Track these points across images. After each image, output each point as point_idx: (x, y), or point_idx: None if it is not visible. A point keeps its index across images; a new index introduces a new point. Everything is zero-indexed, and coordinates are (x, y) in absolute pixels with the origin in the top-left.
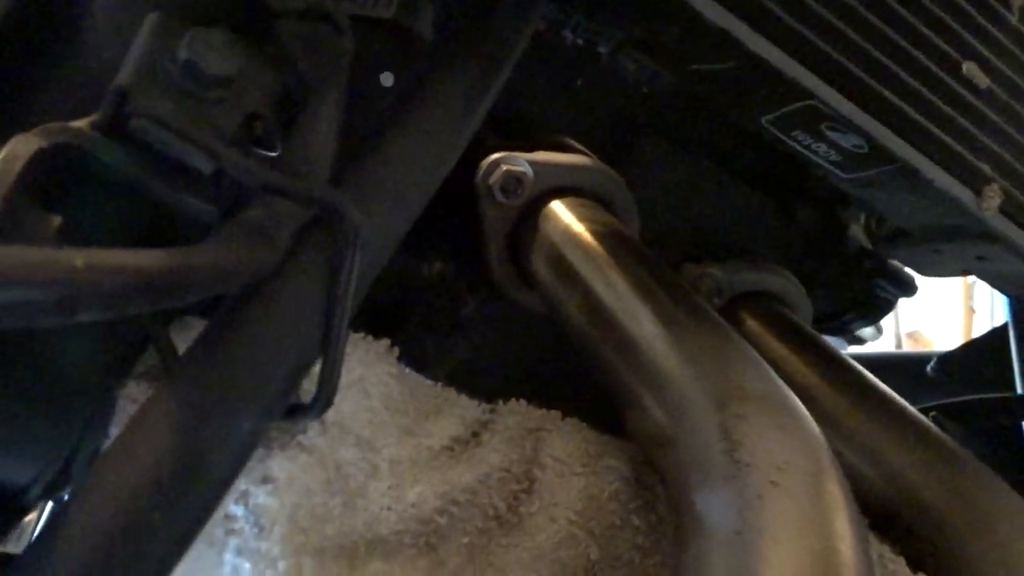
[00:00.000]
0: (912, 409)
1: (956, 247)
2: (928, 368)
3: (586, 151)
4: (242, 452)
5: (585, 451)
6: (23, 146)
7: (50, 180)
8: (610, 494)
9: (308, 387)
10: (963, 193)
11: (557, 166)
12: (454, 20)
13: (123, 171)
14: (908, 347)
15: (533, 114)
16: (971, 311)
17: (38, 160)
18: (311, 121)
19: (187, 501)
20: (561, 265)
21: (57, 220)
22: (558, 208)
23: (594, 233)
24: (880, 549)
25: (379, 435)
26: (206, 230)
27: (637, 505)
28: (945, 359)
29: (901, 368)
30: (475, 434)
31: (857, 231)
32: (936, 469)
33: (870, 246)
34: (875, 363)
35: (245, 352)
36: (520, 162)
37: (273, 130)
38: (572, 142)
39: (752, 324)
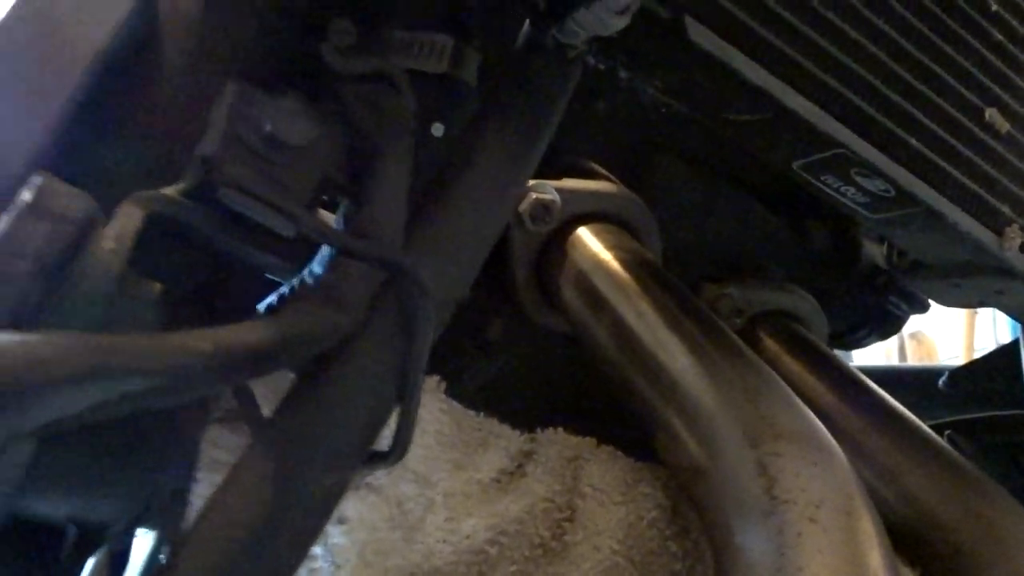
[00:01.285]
0: (927, 429)
1: (976, 281)
2: (940, 383)
3: (610, 176)
4: (330, 502)
5: (622, 479)
6: (130, 220)
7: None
8: (648, 522)
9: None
10: (984, 234)
11: (584, 193)
12: (493, 64)
13: (208, 233)
14: (911, 348)
15: (556, 138)
16: (973, 312)
17: (142, 231)
18: (381, 183)
19: (282, 552)
20: (589, 292)
21: (158, 287)
22: (585, 235)
23: (621, 261)
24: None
25: (433, 470)
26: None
27: (673, 531)
28: (956, 375)
29: (910, 382)
30: (519, 465)
31: (870, 248)
32: (952, 490)
33: (883, 264)
34: (884, 376)
35: (331, 410)
36: (549, 190)
37: (345, 191)
38: (596, 167)
39: (770, 343)
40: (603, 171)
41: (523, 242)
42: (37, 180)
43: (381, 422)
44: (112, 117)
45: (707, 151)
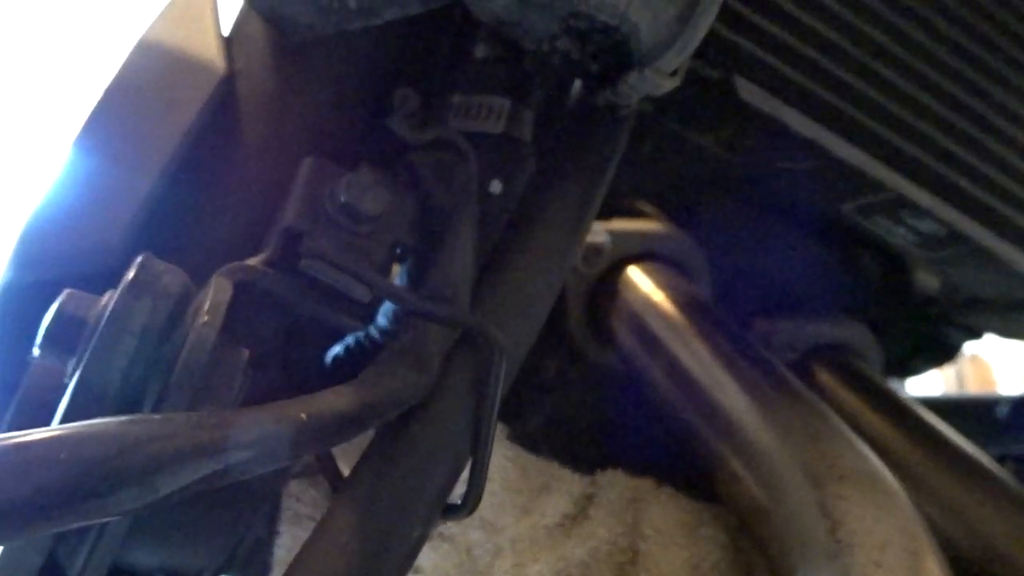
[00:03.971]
0: (991, 461)
1: None
2: (999, 413)
3: (659, 214)
4: (411, 557)
5: (684, 521)
6: (221, 292)
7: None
8: (711, 564)
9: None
10: None
11: (634, 235)
12: (548, 120)
13: (290, 299)
14: (967, 371)
15: None
16: None
17: (233, 301)
18: (451, 245)
19: None
20: (643, 333)
21: (246, 353)
22: (635, 275)
23: (673, 300)
24: None
25: (500, 516)
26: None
27: (736, 573)
28: (1020, 404)
29: (970, 411)
30: (582, 508)
31: (924, 278)
32: (1018, 525)
33: (937, 293)
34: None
35: (411, 468)
36: (599, 232)
37: (416, 254)
38: (646, 207)
39: (826, 378)
40: (652, 210)
41: (576, 284)
42: (139, 259)
43: (456, 476)
44: (199, 193)
45: (754, 186)
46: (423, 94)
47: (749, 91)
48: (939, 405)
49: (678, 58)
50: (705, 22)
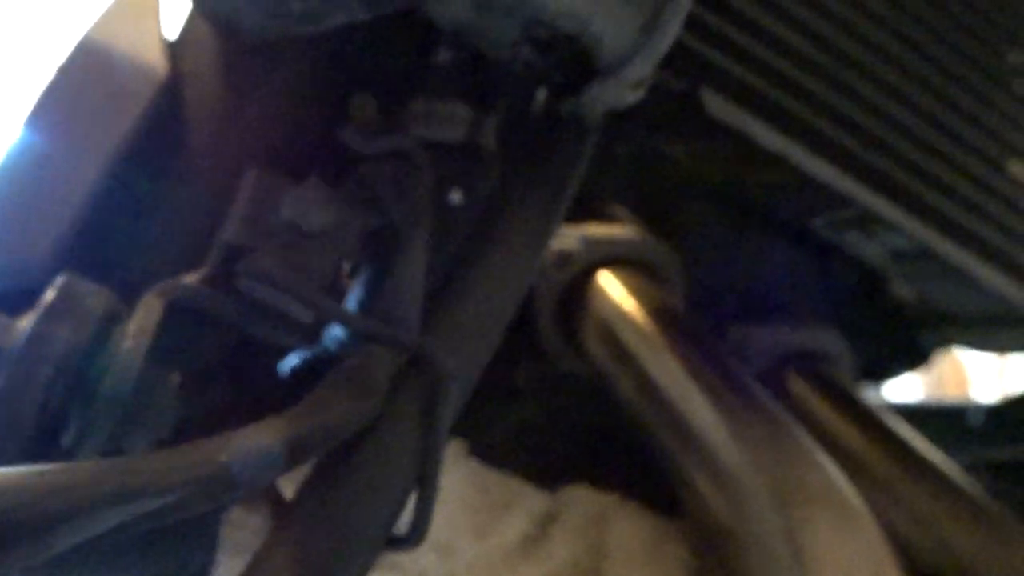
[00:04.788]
0: (961, 474)
1: (1004, 331)
2: (971, 419)
3: (632, 219)
4: None
5: (648, 539)
6: (150, 314)
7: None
8: None
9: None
10: (1010, 287)
11: (606, 240)
12: (511, 128)
13: (228, 320)
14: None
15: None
16: None
17: (164, 322)
18: (399, 262)
19: None
20: (612, 342)
21: (176, 378)
22: (606, 281)
23: (643, 308)
24: None
25: (456, 538)
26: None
27: None
28: (991, 411)
29: (939, 418)
30: (543, 528)
31: (899, 285)
32: (987, 538)
33: (911, 300)
34: (913, 413)
35: (353, 496)
36: (570, 237)
37: (362, 269)
38: (619, 211)
39: (799, 386)
40: (626, 214)
41: (546, 290)
42: (60, 280)
43: (402, 507)
44: (135, 205)
45: (729, 192)
46: (382, 100)
47: (715, 104)
48: (911, 412)
49: (643, 69)
50: (670, 32)
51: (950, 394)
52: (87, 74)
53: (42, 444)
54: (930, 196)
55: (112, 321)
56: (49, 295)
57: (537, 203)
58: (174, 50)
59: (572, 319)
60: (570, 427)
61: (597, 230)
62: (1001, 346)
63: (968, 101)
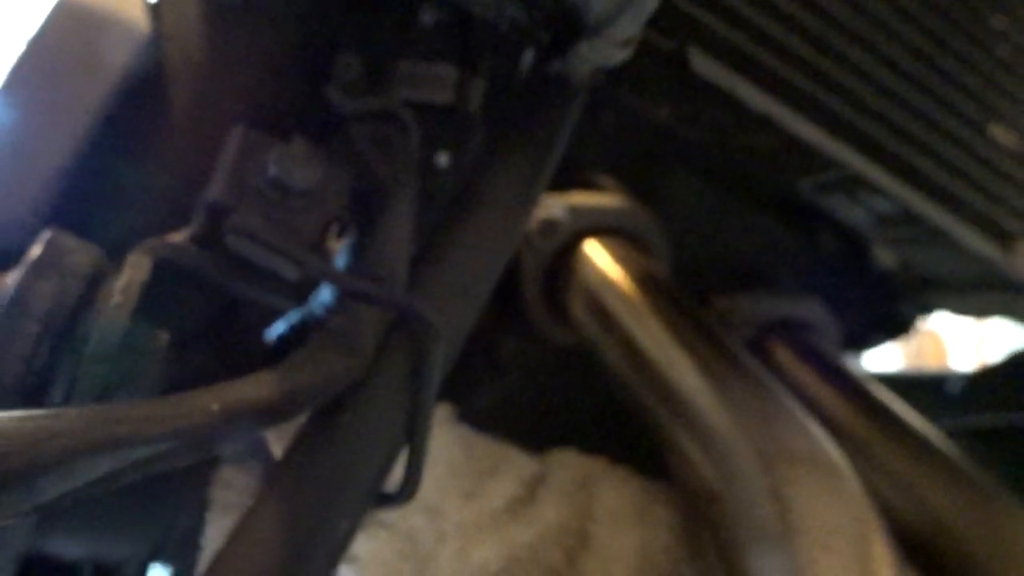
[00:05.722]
0: (942, 438)
1: (985, 295)
2: (951, 388)
3: (619, 188)
4: (343, 546)
5: (635, 502)
6: (137, 271)
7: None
8: (661, 547)
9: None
10: (992, 250)
11: (592, 209)
12: (498, 91)
13: (215, 278)
14: (926, 345)
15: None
16: None
17: (151, 279)
18: (387, 222)
19: None
20: (599, 310)
21: (164, 337)
22: (593, 250)
23: (629, 276)
24: None
25: (444, 500)
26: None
27: (685, 555)
28: (970, 380)
29: (919, 386)
30: (531, 491)
31: (881, 254)
32: (965, 501)
33: (894, 268)
34: (894, 382)
35: (341, 455)
36: (555, 206)
37: (350, 231)
38: (605, 179)
39: (781, 354)
40: (612, 183)
41: (532, 258)
42: (46, 235)
43: (390, 464)
44: (120, 163)
45: (717, 162)
46: (367, 61)
47: (703, 63)
48: (893, 380)
49: (630, 27)
50: None
51: (929, 365)
52: (69, 33)
53: (30, 402)
54: (913, 158)
55: (99, 278)
56: (35, 250)
57: (524, 164)
58: (156, 9)
59: (558, 288)
60: (556, 400)
61: (583, 199)
62: (981, 310)
63: (952, 64)
